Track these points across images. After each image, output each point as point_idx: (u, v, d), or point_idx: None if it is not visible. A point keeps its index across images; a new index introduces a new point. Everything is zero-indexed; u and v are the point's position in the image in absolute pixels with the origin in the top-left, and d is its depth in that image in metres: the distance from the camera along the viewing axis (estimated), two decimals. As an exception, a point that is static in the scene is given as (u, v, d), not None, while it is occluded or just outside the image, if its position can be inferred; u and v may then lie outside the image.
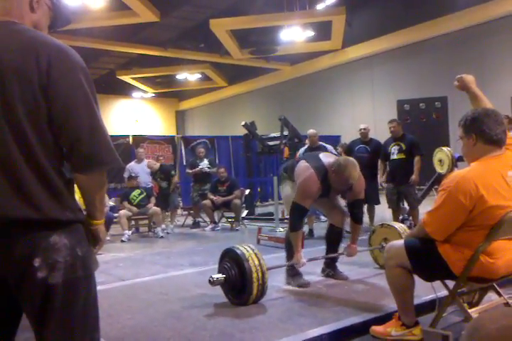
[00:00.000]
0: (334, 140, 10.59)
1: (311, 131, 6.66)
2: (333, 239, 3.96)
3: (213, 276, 3.20)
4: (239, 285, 3.17)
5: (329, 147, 6.62)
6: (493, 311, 0.76)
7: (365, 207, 7.00)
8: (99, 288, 1.44)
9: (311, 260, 3.76)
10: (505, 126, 2.43)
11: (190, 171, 8.40)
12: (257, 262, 3.16)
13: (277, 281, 3.75)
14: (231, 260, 3.27)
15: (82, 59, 1.36)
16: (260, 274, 3.13)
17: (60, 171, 1.32)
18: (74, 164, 1.32)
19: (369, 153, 6.64)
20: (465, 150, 2.45)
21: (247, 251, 3.23)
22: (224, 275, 3.22)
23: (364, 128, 6.76)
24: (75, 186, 1.39)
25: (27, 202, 1.25)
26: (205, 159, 8.46)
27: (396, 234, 3.98)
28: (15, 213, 1.23)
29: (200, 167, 8.26)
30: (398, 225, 4.21)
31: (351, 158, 3.61)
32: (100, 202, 1.44)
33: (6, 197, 1.24)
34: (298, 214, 3.59)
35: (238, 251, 3.22)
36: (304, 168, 3.61)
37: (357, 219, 3.86)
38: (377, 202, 6.67)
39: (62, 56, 1.30)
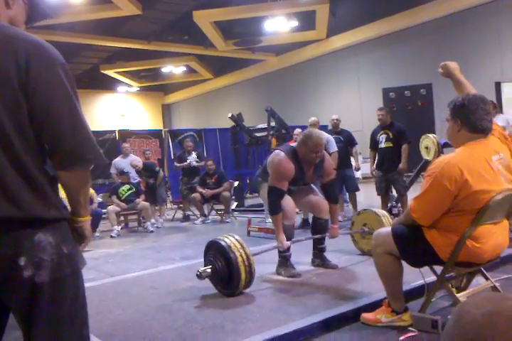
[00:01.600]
0: (322, 129, 10.58)
1: (312, 119, 6.80)
2: (317, 230, 3.98)
3: (200, 270, 3.20)
4: (226, 276, 3.17)
5: (330, 137, 6.59)
6: (478, 296, 0.76)
7: (347, 196, 7.11)
8: (88, 284, 1.44)
9: (294, 242, 3.77)
10: (493, 114, 2.44)
11: (178, 165, 8.37)
12: (240, 249, 3.18)
13: (267, 272, 3.77)
14: (215, 252, 3.27)
15: (60, 55, 1.33)
16: (245, 258, 3.14)
17: (43, 169, 1.30)
18: (56, 161, 1.30)
19: (342, 142, 6.73)
20: (449, 133, 2.47)
21: (230, 240, 3.25)
22: (210, 267, 3.22)
23: (336, 119, 6.89)
24: (59, 183, 1.38)
25: (10, 201, 1.23)
26: (193, 152, 8.42)
27: (374, 219, 4.10)
28: None
29: (188, 161, 8.23)
30: (378, 210, 4.32)
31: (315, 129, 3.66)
32: (84, 199, 1.42)
33: None
34: (275, 197, 3.63)
35: (221, 243, 3.24)
36: (273, 154, 3.74)
37: (332, 199, 3.95)
38: (357, 189, 6.88)
39: (40, 52, 1.27)
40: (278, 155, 3.66)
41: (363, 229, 4.19)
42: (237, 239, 3.27)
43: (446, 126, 2.49)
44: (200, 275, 3.18)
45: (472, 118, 2.33)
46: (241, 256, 3.15)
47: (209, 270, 3.21)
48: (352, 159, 7.06)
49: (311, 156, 3.64)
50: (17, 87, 1.22)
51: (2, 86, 1.22)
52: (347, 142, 6.83)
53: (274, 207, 3.63)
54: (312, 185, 4.08)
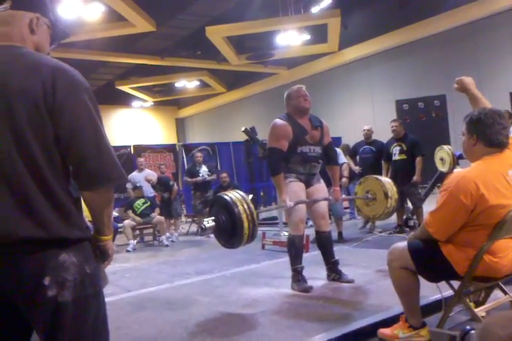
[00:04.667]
0: (335, 142, 10.58)
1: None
2: (323, 244, 3.97)
3: (204, 223, 3.25)
4: (229, 229, 3.17)
5: (338, 150, 6.59)
6: (503, 316, 0.76)
7: None
8: (107, 299, 1.46)
9: (297, 203, 3.69)
10: (509, 126, 2.43)
11: (190, 180, 8.28)
12: (244, 204, 3.15)
13: (284, 287, 3.75)
14: (219, 207, 3.27)
15: (85, 79, 1.39)
16: (249, 213, 3.12)
17: (68, 189, 1.35)
18: (81, 182, 1.35)
19: (374, 153, 6.71)
20: (465, 147, 2.46)
21: (234, 195, 3.23)
22: (213, 219, 3.26)
23: (368, 129, 6.85)
24: (83, 203, 1.42)
25: (35, 222, 1.27)
26: (203, 165, 8.38)
27: (377, 184, 4.13)
28: (23, 232, 1.25)
29: (200, 174, 8.21)
30: (382, 178, 4.36)
31: None
32: (108, 218, 1.46)
33: (15, 216, 1.26)
34: (275, 157, 3.71)
35: (226, 197, 3.22)
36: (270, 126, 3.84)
37: (332, 161, 4.05)
38: None
39: (65, 77, 1.33)
40: (272, 123, 3.79)
41: (366, 196, 4.19)
42: (241, 195, 3.25)
43: (461, 140, 2.49)
44: (204, 229, 3.23)
45: (488, 133, 2.32)
46: (245, 210, 3.12)
47: (213, 223, 3.24)
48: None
49: (301, 104, 3.78)
50: (44, 110, 1.28)
51: (30, 110, 1.27)
52: (378, 153, 6.71)
53: (274, 168, 3.72)
54: (327, 192, 4.04)
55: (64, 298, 1.28)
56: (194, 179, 8.21)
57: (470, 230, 2.29)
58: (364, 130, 6.87)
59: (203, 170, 8.27)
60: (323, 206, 3.95)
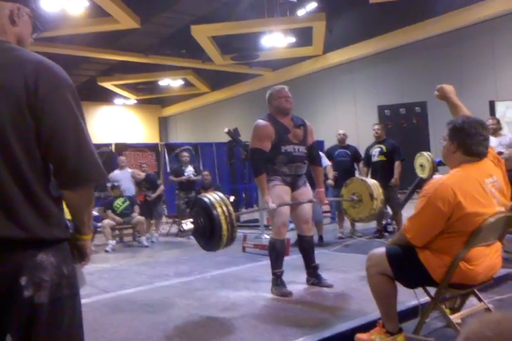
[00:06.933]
0: (318, 145, 10.63)
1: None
2: (305, 248, 3.99)
3: (183, 224, 3.23)
4: (208, 231, 3.16)
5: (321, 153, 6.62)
6: (477, 325, 0.77)
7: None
8: (83, 301, 1.45)
9: (281, 205, 3.69)
10: (488, 137, 2.46)
11: (175, 179, 8.23)
12: (223, 206, 3.14)
13: (264, 291, 3.76)
14: (199, 208, 3.26)
15: (68, 76, 1.37)
16: (228, 215, 3.10)
17: (48, 189, 1.33)
18: (61, 181, 1.33)
19: (349, 156, 6.79)
20: (444, 153, 2.50)
21: (214, 197, 3.21)
22: (192, 221, 3.26)
23: (343, 134, 6.94)
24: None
25: (14, 222, 1.25)
26: (189, 165, 8.34)
27: (362, 186, 4.14)
28: (1, 233, 1.23)
29: (186, 174, 8.17)
30: (368, 179, 4.38)
31: None
32: (88, 217, 1.45)
33: None
34: (258, 158, 3.73)
35: (205, 199, 3.20)
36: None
37: (316, 161, 4.06)
38: None
39: (48, 74, 1.31)
40: (254, 124, 3.82)
41: (352, 198, 4.19)
42: (221, 197, 3.24)
43: (442, 145, 2.52)
44: (183, 231, 3.21)
45: (469, 142, 2.36)
46: (223, 212, 3.10)
47: (191, 225, 3.24)
48: (357, 174, 7.07)
49: (282, 105, 3.81)
50: (26, 108, 1.26)
51: (12, 107, 1.25)
52: (354, 156, 6.85)
53: (257, 169, 3.73)
54: (313, 198, 4.03)
55: (40, 299, 1.26)
56: (179, 178, 8.15)
57: (446, 237, 2.33)
58: (340, 134, 6.95)
59: (189, 169, 8.22)
60: (307, 210, 3.94)
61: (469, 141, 2.36)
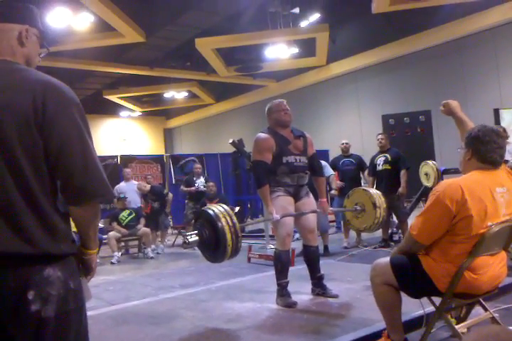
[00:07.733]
0: (322, 155, 10.66)
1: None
2: (310, 258, 3.98)
3: (188, 238, 3.24)
4: (213, 243, 3.18)
5: (323, 162, 6.61)
6: (480, 333, 0.77)
7: None
8: (89, 313, 1.46)
9: (284, 216, 3.68)
10: (504, 145, 2.48)
11: (186, 189, 8.39)
12: (228, 218, 3.16)
13: (269, 302, 3.75)
14: (204, 220, 3.28)
15: (75, 94, 1.40)
16: (231, 225, 3.13)
17: (55, 205, 1.35)
18: (68, 197, 1.36)
19: (354, 165, 6.84)
20: (460, 160, 2.54)
21: (218, 209, 3.24)
22: (196, 232, 3.27)
23: (347, 143, 7.00)
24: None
25: (22, 237, 1.27)
26: (201, 177, 8.52)
27: (364, 196, 4.15)
28: (9, 247, 1.25)
29: (196, 184, 8.28)
30: (369, 189, 4.38)
31: None
32: (94, 232, 1.47)
33: (1, 231, 1.26)
34: (260, 170, 3.77)
35: (209, 211, 3.23)
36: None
37: (317, 172, 4.08)
38: None
39: (56, 94, 1.34)
40: (256, 137, 3.88)
41: (355, 208, 4.20)
42: (225, 208, 3.26)
43: (459, 153, 2.54)
44: (188, 243, 3.22)
45: (483, 150, 2.39)
46: (227, 223, 3.13)
47: (196, 237, 3.24)
48: (363, 182, 7.11)
49: (282, 118, 3.87)
50: (34, 127, 1.29)
51: (20, 126, 1.28)
52: (359, 165, 6.90)
53: (260, 180, 3.76)
54: (316, 206, 4.03)
55: (47, 313, 1.28)
56: (188, 188, 8.33)
57: (449, 240, 2.32)
58: (343, 144, 7.03)
59: (200, 180, 8.37)
60: (311, 220, 3.95)
61: (483, 148, 2.39)
